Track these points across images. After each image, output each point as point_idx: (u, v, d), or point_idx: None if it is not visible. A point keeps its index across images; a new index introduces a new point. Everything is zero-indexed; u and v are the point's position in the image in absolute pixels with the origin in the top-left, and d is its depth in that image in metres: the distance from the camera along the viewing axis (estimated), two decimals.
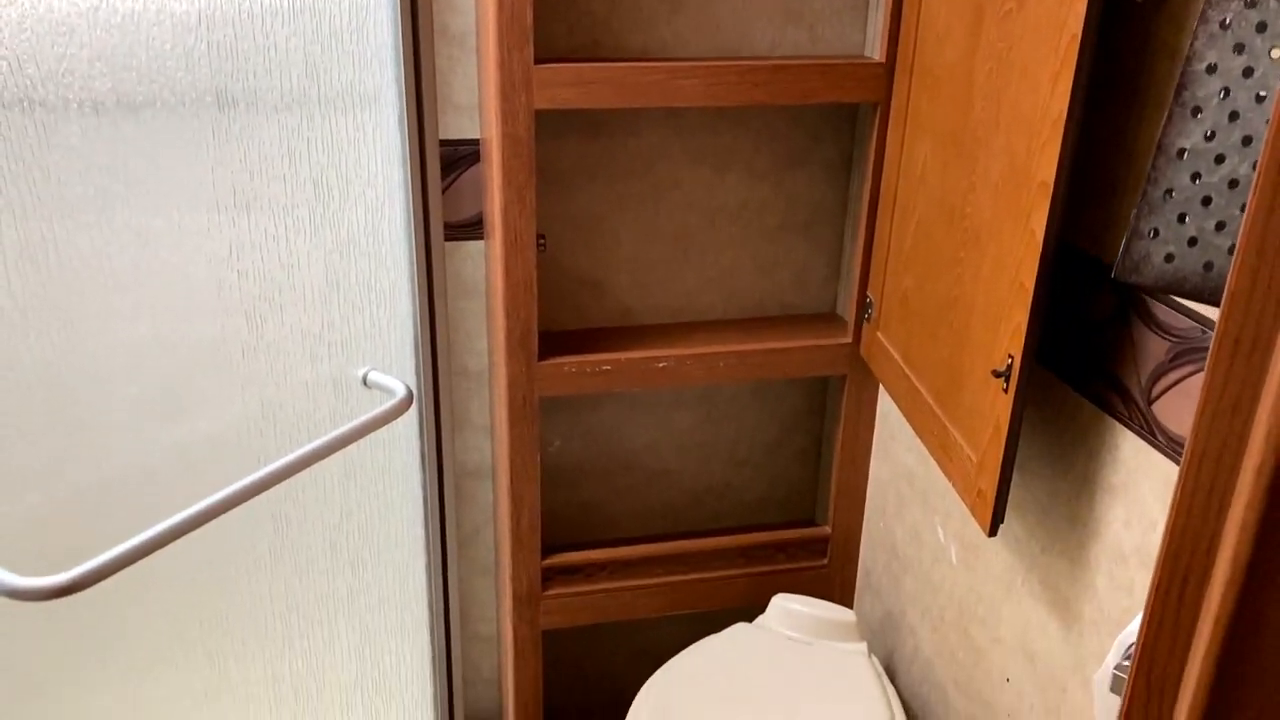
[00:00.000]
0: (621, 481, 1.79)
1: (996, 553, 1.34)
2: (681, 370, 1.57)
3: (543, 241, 1.47)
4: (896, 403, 1.43)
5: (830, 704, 1.48)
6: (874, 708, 1.47)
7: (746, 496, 1.86)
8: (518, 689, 1.72)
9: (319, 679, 1.19)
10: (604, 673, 1.90)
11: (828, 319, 1.70)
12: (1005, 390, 1.11)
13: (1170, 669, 0.59)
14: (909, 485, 1.57)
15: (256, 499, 1.07)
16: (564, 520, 1.79)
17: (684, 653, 1.59)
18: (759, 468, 1.84)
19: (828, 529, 1.76)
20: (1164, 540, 0.59)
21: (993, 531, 1.16)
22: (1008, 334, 1.10)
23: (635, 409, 1.74)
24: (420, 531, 1.29)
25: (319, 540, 1.14)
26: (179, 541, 1.00)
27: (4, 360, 0.82)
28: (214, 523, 1.03)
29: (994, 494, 1.14)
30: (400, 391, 1.10)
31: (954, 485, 1.25)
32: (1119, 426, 1.10)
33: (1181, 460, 0.57)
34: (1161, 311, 1.03)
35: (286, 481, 1.09)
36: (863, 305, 1.57)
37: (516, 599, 1.65)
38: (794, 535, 1.76)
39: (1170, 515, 0.58)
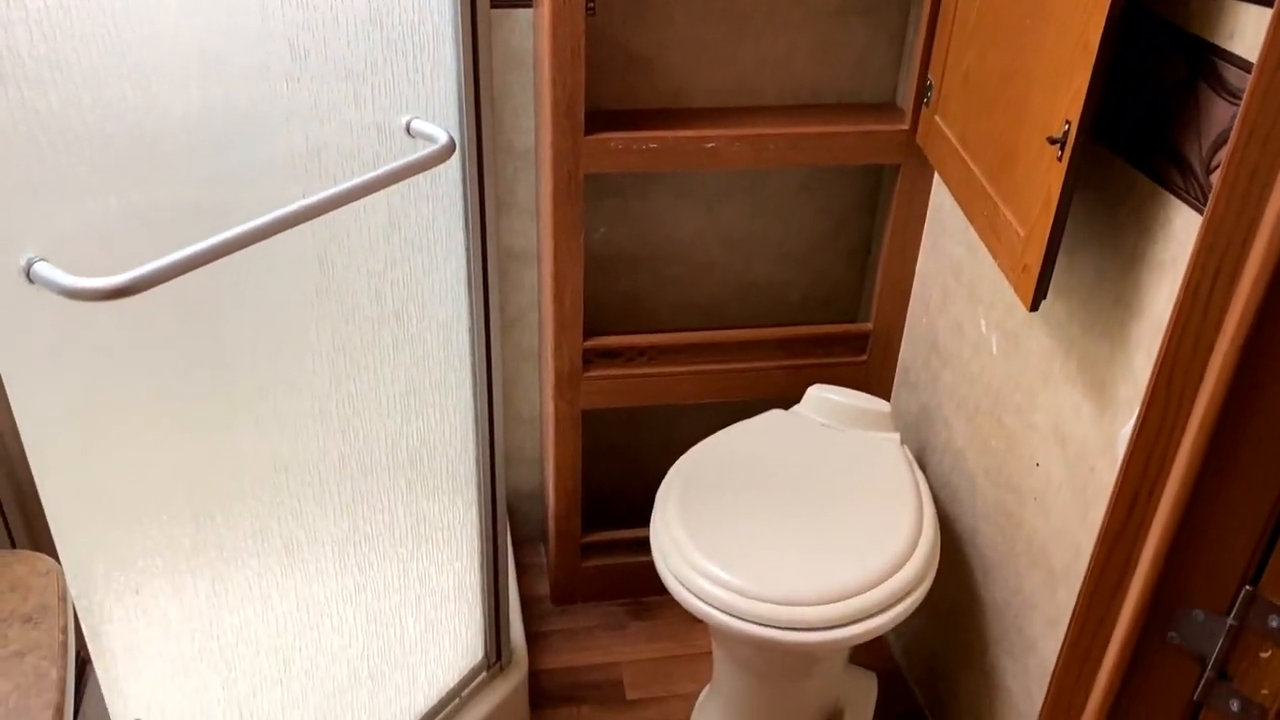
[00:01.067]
0: (665, 273, 1.79)
1: (1037, 339, 1.34)
2: (729, 152, 1.55)
3: (592, 6, 1.43)
4: (949, 187, 1.41)
5: (859, 486, 1.51)
6: (902, 491, 1.50)
7: (790, 295, 1.86)
8: (557, 466, 1.78)
9: (365, 420, 1.23)
10: (640, 458, 1.95)
11: (885, 108, 1.65)
12: (1060, 158, 1.07)
13: (1191, 374, 0.59)
14: (955, 278, 1.55)
15: (302, 240, 1.09)
16: (606, 310, 1.80)
17: (717, 434, 1.63)
18: (805, 265, 1.83)
19: (869, 325, 1.76)
20: (1197, 239, 0.58)
21: (1034, 307, 1.15)
22: (1067, 99, 1.06)
23: (682, 198, 1.73)
24: (464, 308, 1.31)
25: (364, 286, 1.16)
26: (230, 278, 1.02)
27: (58, 72, 0.83)
28: (262, 262, 1.05)
29: (1039, 267, 1.12)
30: (442, 138, 1.10)
31: (1000, 265, 1.23)
32: (1173, 200, 1.07)
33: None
34: (1232, 75, 0.98)
35: (331, 224, 1.11)
36: (922, 89, 1.52)
37: (558, 378, 1.69)
38: (835, 330, 1.76)
39: (1209, 207, 0.56)
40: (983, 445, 1.49)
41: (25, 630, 0.75)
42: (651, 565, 1.46)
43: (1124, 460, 0.59)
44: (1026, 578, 1.39)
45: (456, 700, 1.57)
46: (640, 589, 1.93)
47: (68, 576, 0.96)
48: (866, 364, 1.78)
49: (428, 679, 1.50)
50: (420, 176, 1.16)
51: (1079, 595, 0.65)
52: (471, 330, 1.33)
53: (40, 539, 0.91)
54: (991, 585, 1.49)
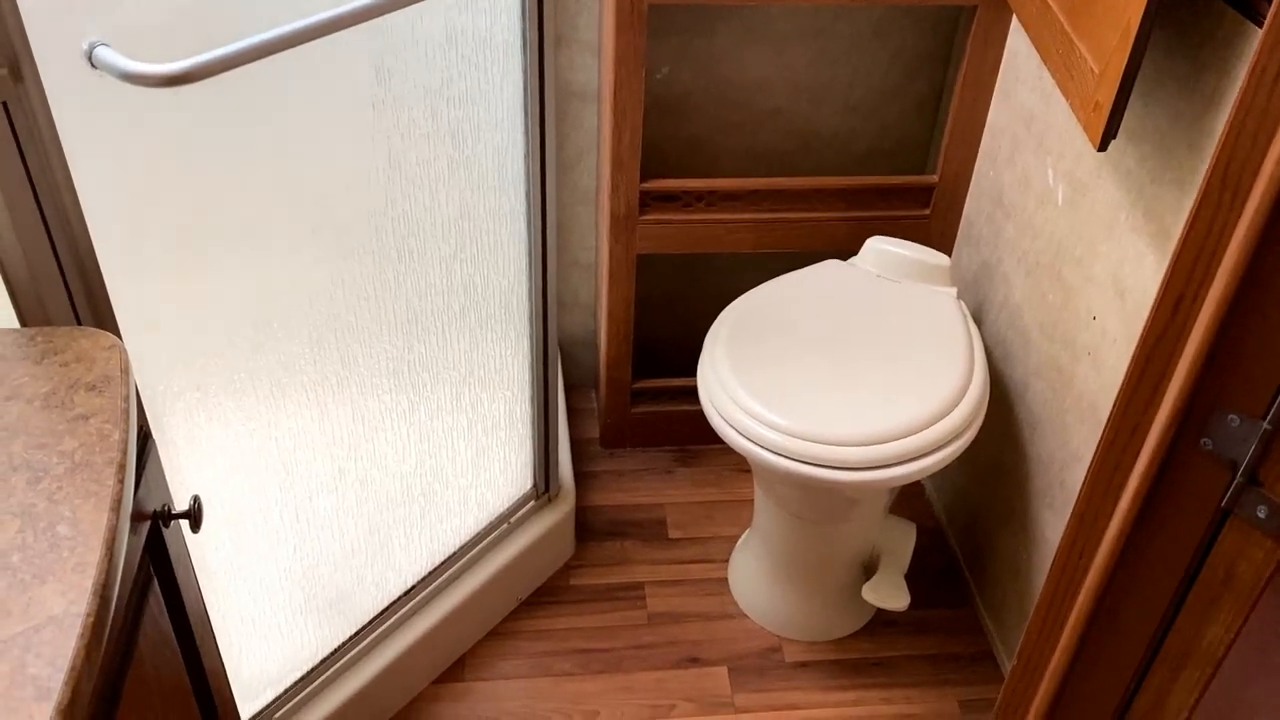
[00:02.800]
0: (728, 118, 1.76)
1: (1104, 189, 1.30)
2: None
3: None
4: (1025, 27, 1.35)
5: (910, 336, 1.50)
6: (954, 343, 1.49)
7: (856, 146, 1.82)
8: (610, 311, 1.79)
9: (419, 241, 1.25)
10: (693, 307, 1.96)
11: None
12: None
13: (1248, 168, 0.57)
14: (1025, 128, 1.51)
15: (359, 47, 1.09)
16: (666, 154, 1.78)
17: (771, 281, 1.62)
18: (872, 115, 1.79)
19: (934, 177, 1.72)
20: (1265, 27, 0.55)
21: (1103, 146, 1.11)
22: None
23: (748, 39, 1.68)
24: (520, 134, 1.30)
25: (420, 102, 1.16)
26: (289, 83, 1.03)
27: None
28: (321, 69, 1.05)
29: (1111, 103, 1.08)
30: None
31: (1071, 105, 1.19)
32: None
33: None
34: None
35: (389, 33, 1.10)
36: None
37: (614, 220, 1.69)
38: (898, 181, 1.73)
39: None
40: (1040, 300, 1.47)
41: (90, 397, 0.78)
42: (699, 413, 1.47)
43: (1172, 258, 0.58)
44: (1074, 432, 1.38)
45: (505, 525, 1.62)
46: (687, 436, 1.96)
47: (132, 365, 1.01)
48: (929, 218, 1.75)
49: (478, 502, 1.55)
50: None
51: (1115, 402, 0.64)
52: (527, 158, 1.33)
53: (105, 322, 0.95)
54: (1038, 441, 1.49)
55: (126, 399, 0.79)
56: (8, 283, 0.88)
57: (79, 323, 0.93)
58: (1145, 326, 0.59)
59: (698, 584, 1.74)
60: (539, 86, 1.28)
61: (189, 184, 1.00)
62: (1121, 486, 0.63)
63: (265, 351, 1.14)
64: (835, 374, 1.44)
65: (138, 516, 0.82)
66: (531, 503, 1.66)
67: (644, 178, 1.67)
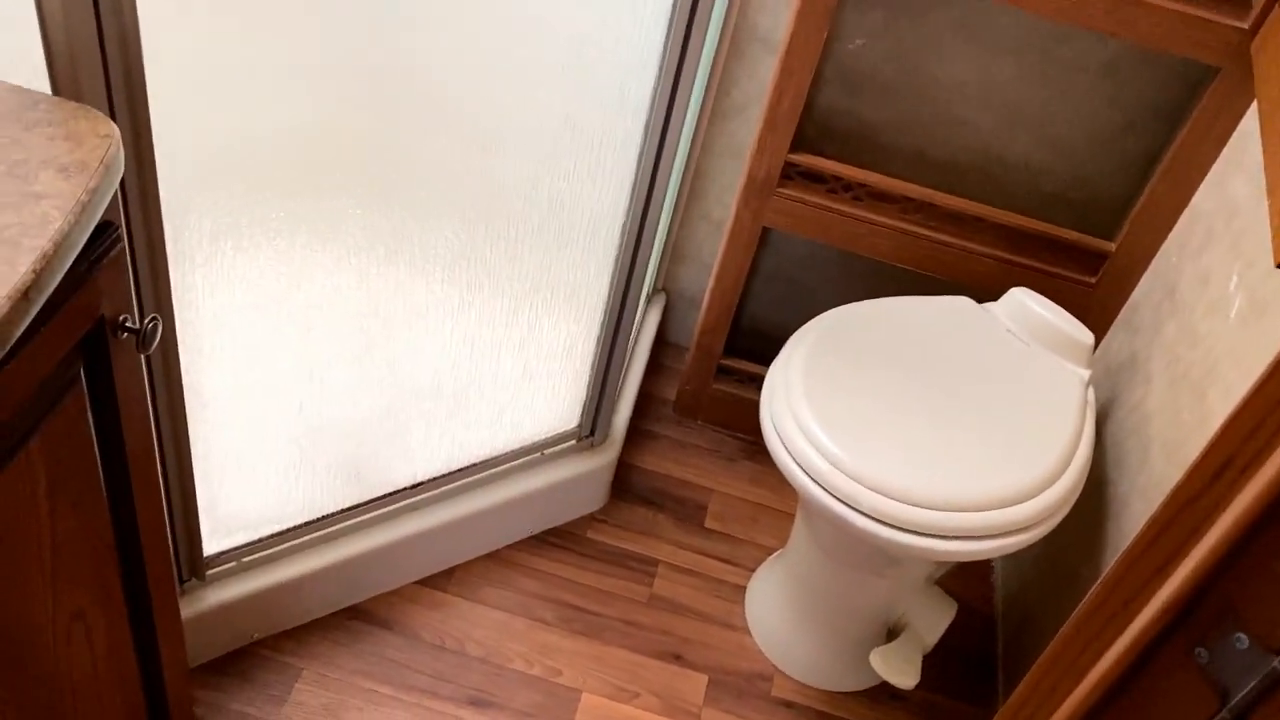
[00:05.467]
0: (912, 112, 1.59)
1: None
2: None
3: None
4: (1260, 108, 1.14)
5: (1016, 405, 1.33)
6: (1062, 427, 1.31)
7: (1040, 184, 1.62)
8: (719, 276, 1.68)
9: (512, 137, 1.16)
10: (808, 299, 1.81)
11: None
12: None
13: None
14: (1225, 223, 1.29)
15: None
16: (831, 130, 1.63)
17: (891, 299, 1.47)
18: (1070, 156, 1.58)
19: (1112, 245, 1.51)
20: None
21: None
22: None
23: (959, 35, 1.51)
24: (657, 49, 1.19)
25: None
26: None
27: None
28: None
29: None
30: None
31: (1270, 208, 0.99)
32: None
33: None
34: None
35: None
36: None
37: (750, 182, 1.56)
38: (1071, 237, 1.53)
39: None
40: (1174, 415, 1.27)
41: (55, 178, 0.74)
42: None
43: (1237, 407, 0.43)
44: None
45: (538, 455, 1.55)
46: (760, 429, 1.83)
47: (164, 209, 0.97)
48: (1093, 287, 1.54)
49: (512, 423, 1.49)
50: None
51: (1117, 561, 0.50)
52: (658, 78, 1.21)
53: (138, 113, 0.90)
54: None
55: (92, 191, 0.74)
56: (46, 49, 0.85)
57: (111, 107, 0.89)
58: (1177, 485, 0.45)
59: (713, 583, 1.63)
60: (690, 8, 1.16)
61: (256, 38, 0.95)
62: (1088, 669, 0.49)
63: (311, 197, 1.09)
64: (915, 420, 1.29)
65: (75, 316, 0.77)
66: (571, 442, 1.58)
67: (795, 148, 1.53)
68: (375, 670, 1.43)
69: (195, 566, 1.29)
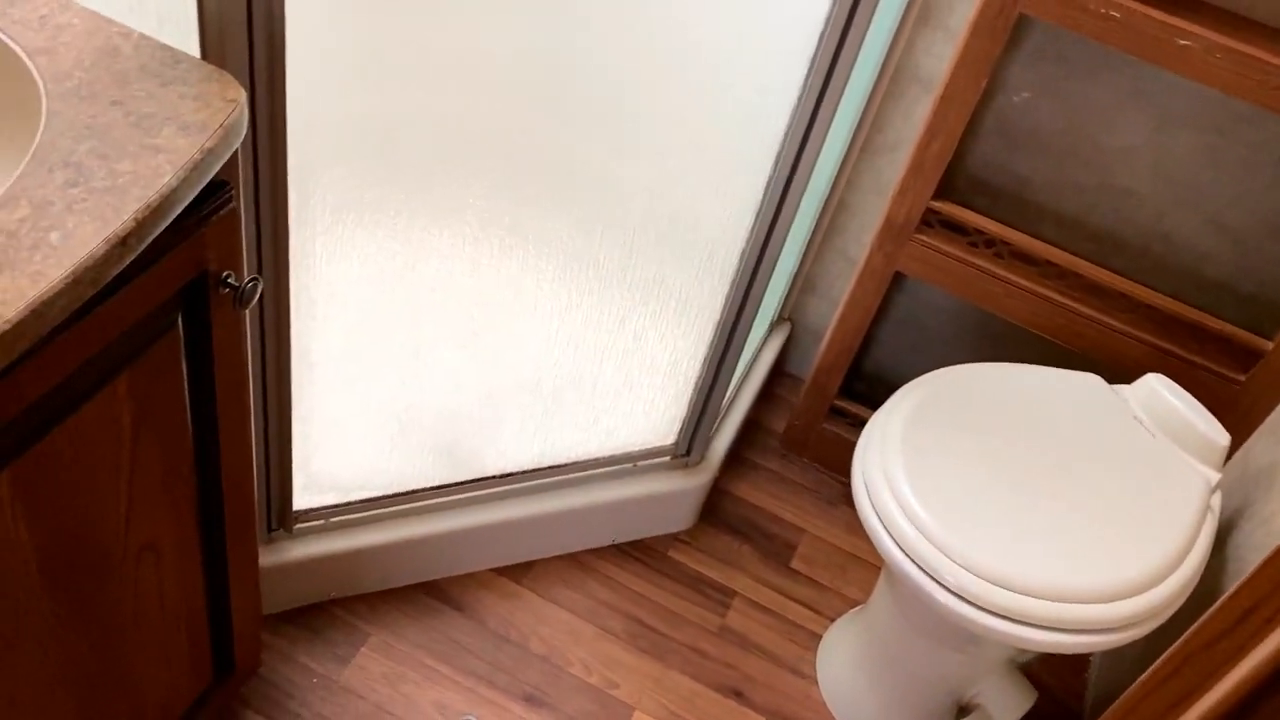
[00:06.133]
0: (1070, 175, 1.51)
1: None
2: (1207, 64, 1.23)
3: None
4: None
5: (1133, 497, 1.25)
6: (1179, 531, 1.22)
7: (1204, 269, 1.52)
8: (843, 316, 1.63)
9: (640, 141, 1.16)
10: (932, 351, 1.74)
11: None
12: None
13: None
14: None
15: None
16: (984, 182, 1.57)
17: (1014, 365, 1.40)
18: (1239, 245, 1.47)
19: (1270, 344, 1.40)
20: None
21: None
22: None
23: (1131, 100, 1.42)
24: (800, 74, 1.17)
25: None
26: None
27: None
28: None
29: None
30: None
31: None
32: None
33: None
34: None
35: None
36: None
37: (887, 224, 1.52)
38: (1227, 329, 1.43)
39: None
40: None
41: (175, 134, 0.78)
42: None
43: (1262, 561, 0.38)
44: None
45: (629, 466, 1.55)
46: None
47: (291, 177, 1.01)
48: (1241, 387, 1.43)
49: (608, 430, 1.49)
50: None
51: (1123, 698, 0.45)
52: (796, 107, 1.19)
53: (276, 83, 0.94)
54: None
55: (206, 151, 0.77)
56: (200, 12, 0.89)
57: (251, 74, 0.93)
58: (1197, 625, 0.41)
59: (789, 625, 1.59)
60: (839, 38, 1.14)
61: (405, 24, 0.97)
62: None
63: (436, 182, 1.11)
64: (1017, 497, 1.22)
65: (177, 266, 0.81)
66: (665, 458, 1.57)
67: (939, 195, 1.48)
68: (438, 649, 1.45)
69: (284, 519, 1.34)
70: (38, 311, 0.65)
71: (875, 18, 1.20)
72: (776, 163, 1.24)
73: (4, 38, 0.80)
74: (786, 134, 1.21)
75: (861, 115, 1.58)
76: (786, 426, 1.82)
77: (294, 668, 1.39)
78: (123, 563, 0.91)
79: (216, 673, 1.19)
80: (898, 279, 1.61)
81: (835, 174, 1.65)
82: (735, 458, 1.78)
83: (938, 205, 1.48)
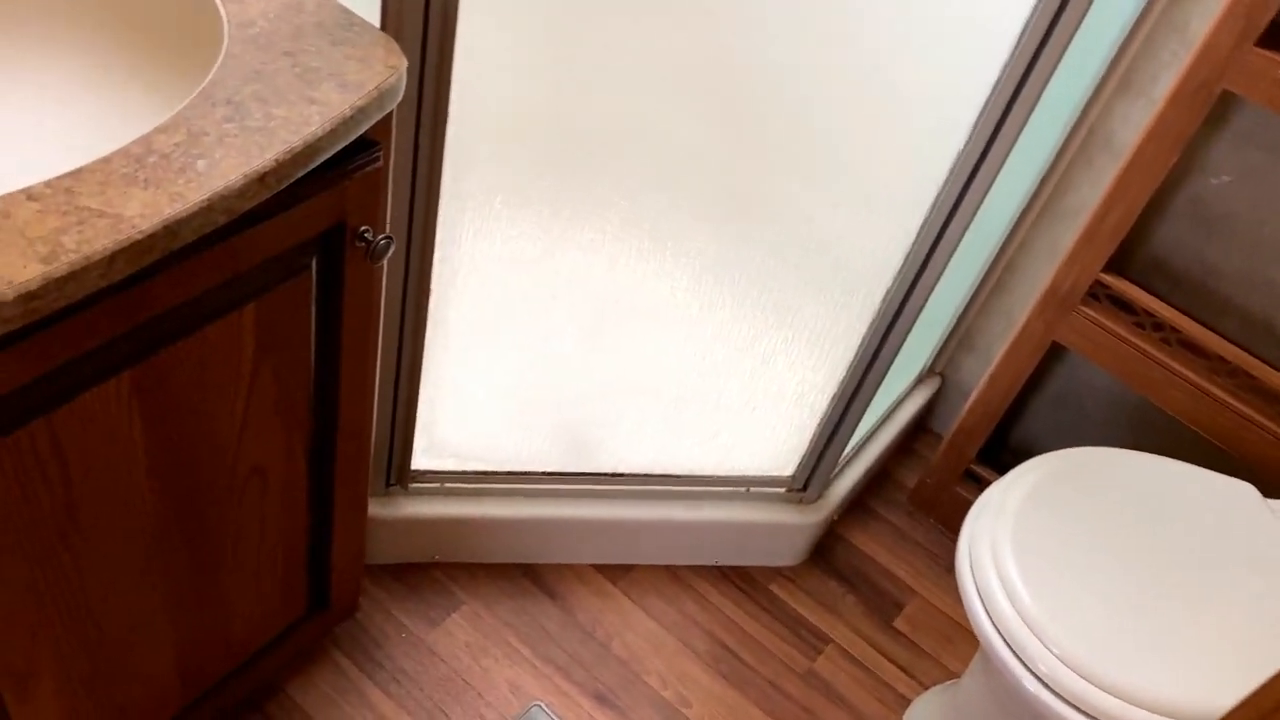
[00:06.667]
0: (1263, 271, 1.41)
1: None
2: None
3: None
4: None
5: (1259, 622, 1.14)
6: None
7: None
8: (993, 379, 1.57)
9: (795, 163, 1.16)
10: (1081, 429, 1.65)
11: None
12: None
13: None
14: None
15: None
16: (1165, 263, 1.47)
17: (1165, 458, 1.31)
18: None
19: None
20: None
21: None
22: None
23: None
24: (972, 113, 1.13)
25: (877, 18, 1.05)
26: None
27: None
28: None
29: None
30: None
31: None
32: None
33: None
34: None
35: None
36: None
37: (1050, 292, 1.45)
38: None
39: None
40: None
41: (331, 90, 0.83)
42: None
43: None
44: None
45: (742, 489, 1.54)
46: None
47: (449, 149, 1.05)
48: None
49: (724, 448, 1.48)
50: None
51: None
52: (964, 147, 1.15)
53: (445, 63, 0.99)
54: None
55: (356, 109, 0.82)
56: None
57: (424, 46, 0.98)
58: None
59: (879, 684, 1.54)
60: (1014, 89, 1.10)
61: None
62: None
63: (584, 176, 1.14)
64: (1132, 594, 1.14)
65: (316, 213, 0.87)
66: (780, 489, 1.55)
67: (1111, 269, 1.41)
68: (524, 630, 1.48)
69: (402, 475, 1.40)
70: (170, 229, 0.71)
71: (1065, 77, 1.15)
72: (933, 207, 1.20)
73: None
74: (948, 178, 1.18)
75: (1044, 176, 1.52)
76: (918, 483, 1.76)
77: (387, 619, 1.45)
78: (230, 482, 0.98)
79: (310, 607, 1.26)
80: (1056, 350, 1.54)
81: (1008, 232, 1.59)
82: (858, 504, 1.74)
83: (1108, 279, 1.41)
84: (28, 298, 0.64)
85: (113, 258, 0.68)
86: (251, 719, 1.31)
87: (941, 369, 1.82)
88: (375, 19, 0.94)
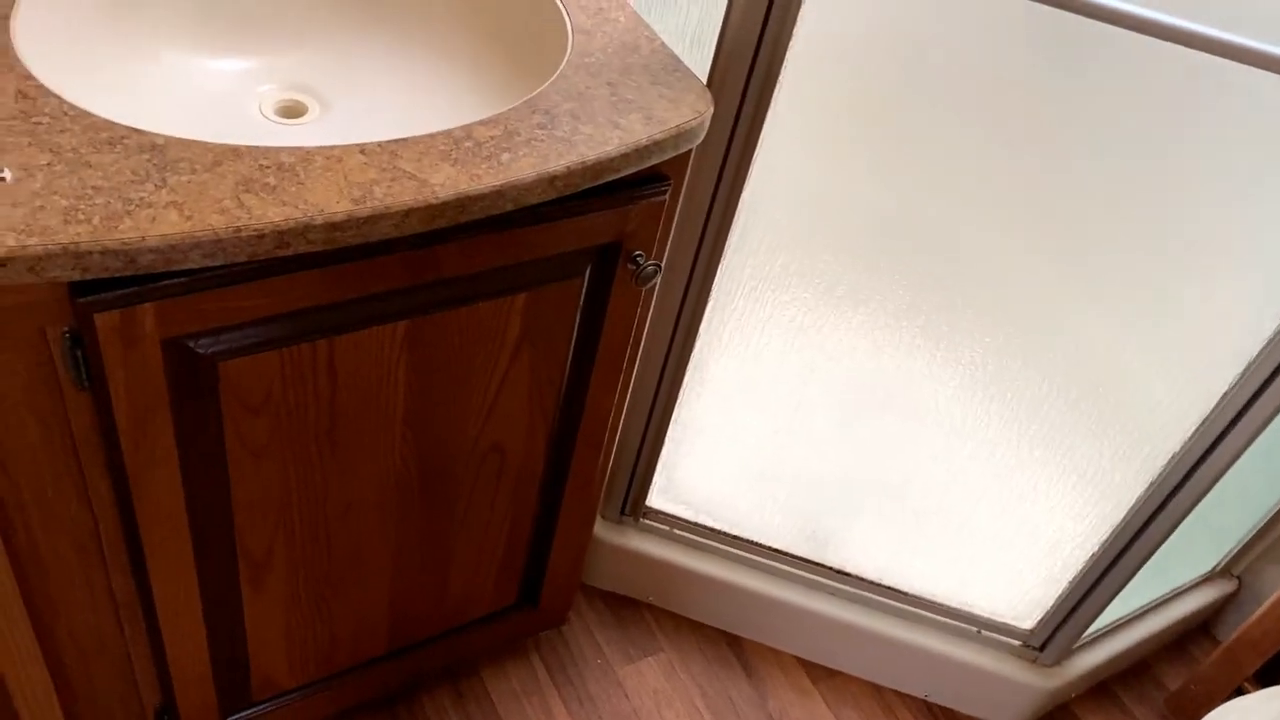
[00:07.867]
0: None
1: None
2: None
3: None
4: None
5: None
6: None
7: None
8: None
9: (1092, 293, 1.10)
10: None
11: None
12: None
13: None
14: None
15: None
16: None
17: None
18: None
19: None
20: None
21: None
22: None
23: None
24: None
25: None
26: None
27: None
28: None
29: None
30: None
31: None
32: None
33: None
34: None
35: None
36: None
37: None
38: None
39: None
40: None
41: (636, 120, 0.91)
42: None
43: None
44: None
45: (973, 629, 1.45)
46: None
47: (743, 204, 1.11)
48: None
49: (961, 579, 1.41)
50: None
51: None
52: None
53: (754, 134, 1.05)
54: None
55: (653, 142, 0.90)
56: (720, 37, 1.02)
57: (740, 105, 1.04)
58: None
59: None
60: None
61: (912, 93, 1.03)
62: None
63: (868, 260, 1.15)
64: None
65: (596, 227, 0.95)
66: (1015, 642, 1.44)
67: None
68: (712, 696, 1.47)
69: (636, 508, 1.45)
70: (461, 202, 0.81)
71: None
72: (1249, 368, 1.10)
73: (563, 11, 1.00)
74: (1271, 339, 1.07)
75: None
76: (1180, 687, 1.57)
77: (589, 641, 1.50)
78: (472, 451, 1.07)
79: (520, 599, 1.33)
80: None
81: None
82: (1104, 689, 1.57)
83: None
84: (331, 227, 0.76)
85: (408, 213, 0.78)
86: (443, 688, 1.40)
87: (1239, 572, 1.62)
88: (704, 73, 1.02)
